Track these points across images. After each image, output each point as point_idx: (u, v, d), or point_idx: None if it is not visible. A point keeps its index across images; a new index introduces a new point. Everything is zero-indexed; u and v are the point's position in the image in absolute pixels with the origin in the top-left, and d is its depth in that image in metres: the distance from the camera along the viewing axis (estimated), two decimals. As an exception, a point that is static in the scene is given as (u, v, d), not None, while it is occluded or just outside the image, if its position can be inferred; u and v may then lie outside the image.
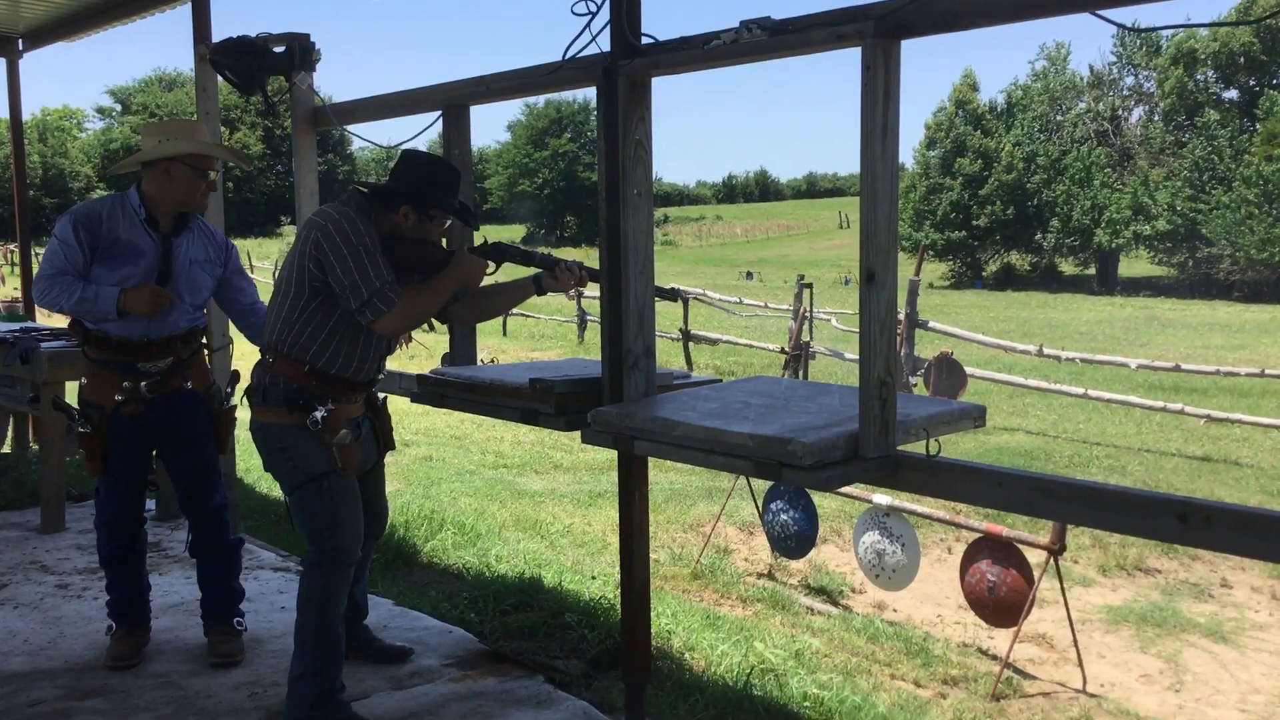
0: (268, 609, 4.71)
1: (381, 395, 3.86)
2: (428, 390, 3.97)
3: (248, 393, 3.51)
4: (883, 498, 6.41)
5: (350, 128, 4.89)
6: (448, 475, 9.87)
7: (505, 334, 23.73)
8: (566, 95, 73.42)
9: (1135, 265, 49.92)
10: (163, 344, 4.03)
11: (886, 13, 2.65)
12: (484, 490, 9.25)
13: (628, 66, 3.26)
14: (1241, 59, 48.25)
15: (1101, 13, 2.45)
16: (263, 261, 37.82)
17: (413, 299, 3.35)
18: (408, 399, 4.16)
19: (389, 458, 4.01)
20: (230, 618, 4.25)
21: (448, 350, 4.44)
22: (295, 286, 3.35)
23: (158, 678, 4.01)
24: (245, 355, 4.78)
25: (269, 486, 7.72)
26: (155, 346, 4.02)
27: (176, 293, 3.99)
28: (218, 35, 5.13)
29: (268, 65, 4.64)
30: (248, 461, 8.27)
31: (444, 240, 3.68)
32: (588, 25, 3.34)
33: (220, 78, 4.87)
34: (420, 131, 4.39)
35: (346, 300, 3.26)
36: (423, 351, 18.46)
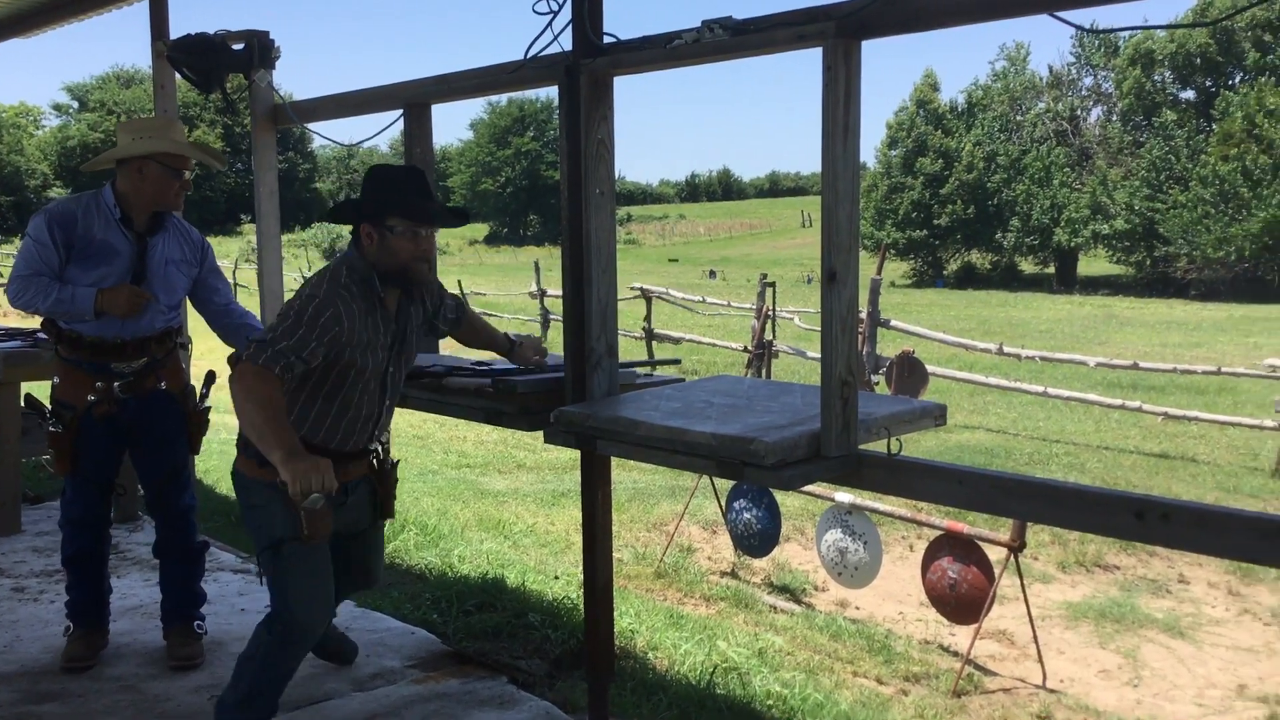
0: (228, 611, 4.67)
1: (394, 460, 3.61)
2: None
3: (238, 442, 3.27)
4: (845, 496, 6.44)
5: (311, 126, 4.85)
6: (409, 475, 9.82)
7: (468, 333, 23.61)
8: (529, 94, 73.37)
9: (1094, 264, 50.43)
10: (137, 345, 3.99)
11: (848, 13, 2.66)
12: (446, 490, 9.21)
13: (589, 65, 3.25)
14: (1198, 60, 48.81)
15: (1060, 14, 2.47)
16: (222, 260, 37.42)
17: (250, 394, 2.90)
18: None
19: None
20: (191, 620, 4.21)
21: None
22: None
23: (116, 681, 3.97)
24: (204, 355, 4.75)
25: (228, 488, 7.65)
26: (129, 347, 3.98)
27: (151, 293, 3.95)
28: (176, 32, 5.07)
29: (226, 63, 4.59)
30: (207, 463, 8.20)
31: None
32: (549, 24, 3.33)
33: (179, 75, 4.82)
34: (381, 130, 4.37)
35: None
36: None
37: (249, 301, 4.54)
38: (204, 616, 4.28)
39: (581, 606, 4.27)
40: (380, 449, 3.49)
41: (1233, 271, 41.07)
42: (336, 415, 3.19)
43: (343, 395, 3.17)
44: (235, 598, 4.87)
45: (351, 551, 3.55)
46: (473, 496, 9.01)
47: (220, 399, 4.47)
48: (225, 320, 4.20)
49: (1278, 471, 10.62)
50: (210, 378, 4.32)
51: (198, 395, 4.24)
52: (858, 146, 2.72)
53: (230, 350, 4.25)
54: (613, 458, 3.34)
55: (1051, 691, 6.07)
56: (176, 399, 4.14)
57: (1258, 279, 40.76)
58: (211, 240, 4.49)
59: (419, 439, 11.90)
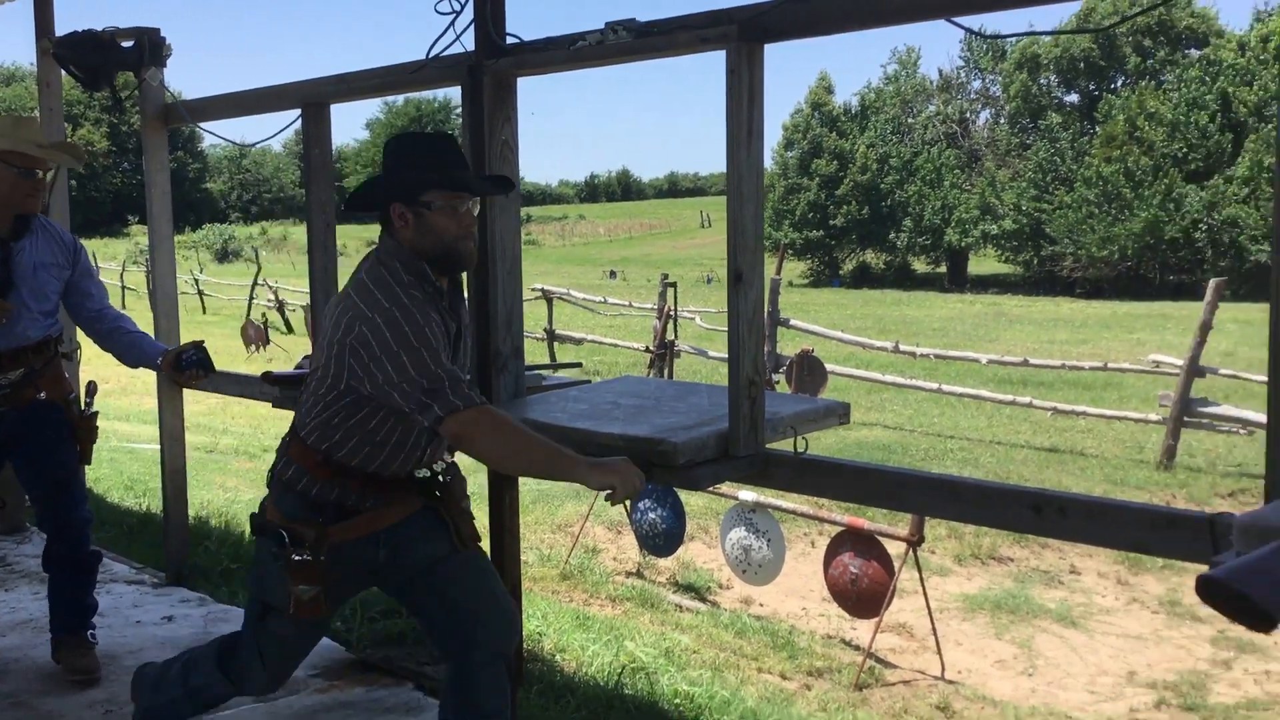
0: (121, 623, 4.54)
1: (451, 474, 2.98)
2: (290, 395, 3.87)
3: (269, 474, 2.85)
4: (748, 494, 6.49)
5: (204, 125, 4.75)
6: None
7: (366, 335, 23.33)
8: (427, 94, 72.66)
9: (984, 263, 51.64)
10: (12, 356, 3.79)
11: (750, 16, 2.68)
12: (347, 495, 9.06)
13: (493, 66, 3.24)
14: (1081, 64, 50.33)
15: (956, 19, 2.52)
16: (108, 263, 36.41)
17: (512, 430, 2.57)
18: (270, 404, 4.06)
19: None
20: (85, 632, 4.07)
21: (309, 354, 4.34)
22: (332, 378, 2.64)
23: (6, 698, 3.83)
24: (91, 360, 4.60)
25: (120, 496, 7.45)
26: (4, 359, 3.78)
27: (20, 301, 3.74)
28: (62, 28, 4.93)
29: (115, 60, 4.47)
30: (97, 471, 7.96)
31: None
32: (451, 24, 3.31)
33: (65, 72, 4.68)
34: (279, 131, 4.30)
35: (398, 400, 2.54)
36: (281, 355, 18.06)
37: (139, 304, 4.42)
38: (95, 626, 4.14)
39: (488, 610, 4.23)
40: (442, 468, 2.93)
41: (1116, 270, 42.45)
42: (378, 444, 2.71)
43: (393, 426, 2.70)
44: (130, 609, 4.74)
45: (433, 588, 2.84)
46: (374, 501, 8.88)
47: (107, 405, 4.32)
48: (98, 325, 4.02)
49: (1162, 464, 10.99)
50: (91, 388, 4.15)
51: (81, 404, 4.08)
52: (762, 149, 2.75)
53: (108, 355, 4.10)
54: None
55: (950, 682, 6.20)
56: (60, 408, 3.97)
57: (1140, 277, 42.20)
58: (97, 242, 4.36)
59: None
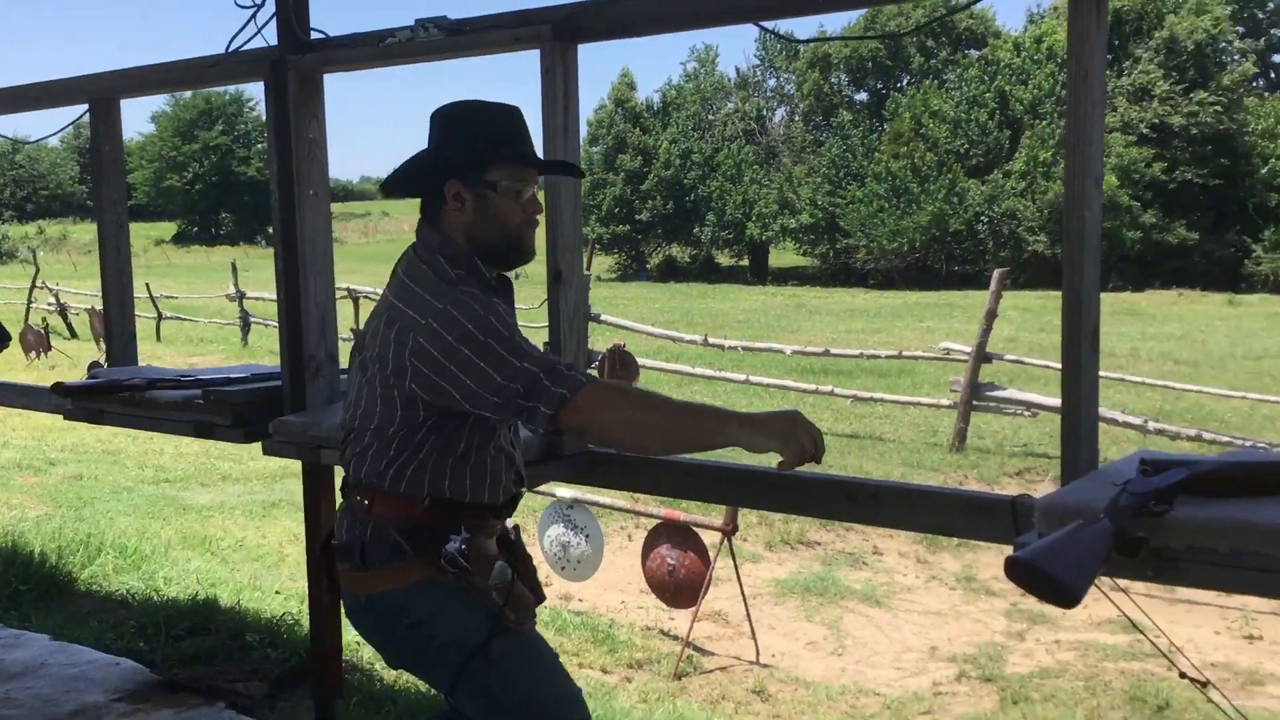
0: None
1: (512, 523, 2.61)
2: (83, 406, 3.67)
3: (335, 554, 2.39)
4: (566, 491, 6.50)
5: (-21, 120, 4.46)
6: (102, 494, 9.18)
7: (160, 339, 22.35)
8: (217, 87, 70.04)
9: (784, 256, 53.05)
10: None
11: (563, 16, 2.69)
12: (144, 508, 8.67)
13: (298, 62, 3.14)
14: (870, 64, 52.27)
15: (763, 23, 2.59)
16: None
17: (638, 399, 2.21)
18: (60, 416, 3.84)
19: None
20: None
21: (95, 360, 4.13)
22: (403, 412, 2.23)
23: None
24: None
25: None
26: None
27: None
28: None
29: (-124, 49, 4.15)
30: None
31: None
32: (253, 17, 3.20)
33: None
34: (64, 127, 4.08)
35: (492, 415, 2.20)
36: (65, 361, 17.10)
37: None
38: None
39: (304, 622, 4.12)
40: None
41: (906, 261, 44.36)
42: (478, 466, 2.34)
43: (487, 441, 2.34)
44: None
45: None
46: (174, 513, 8.52)
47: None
48: None
49: (954, 446, 11.53)
50: None
51: None
52: (578, 147, 2.76)
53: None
54: (336, 467, 3.24)
55: (765, 666, 6.35)
56: None
57: (928, 268, 44.19)
58: None
59: (110, 454, 11.13)
